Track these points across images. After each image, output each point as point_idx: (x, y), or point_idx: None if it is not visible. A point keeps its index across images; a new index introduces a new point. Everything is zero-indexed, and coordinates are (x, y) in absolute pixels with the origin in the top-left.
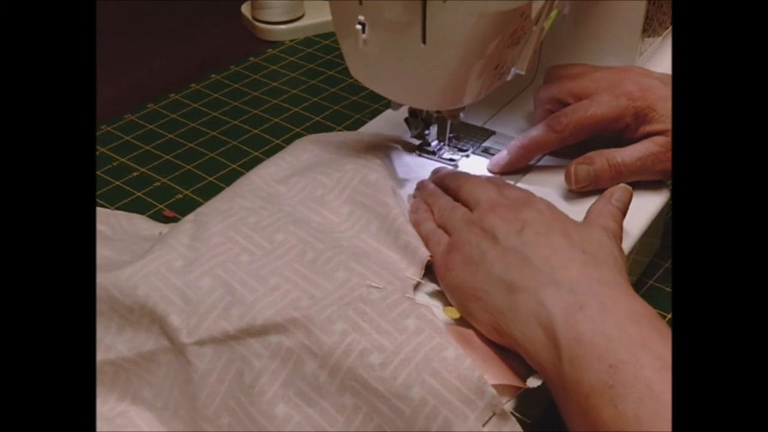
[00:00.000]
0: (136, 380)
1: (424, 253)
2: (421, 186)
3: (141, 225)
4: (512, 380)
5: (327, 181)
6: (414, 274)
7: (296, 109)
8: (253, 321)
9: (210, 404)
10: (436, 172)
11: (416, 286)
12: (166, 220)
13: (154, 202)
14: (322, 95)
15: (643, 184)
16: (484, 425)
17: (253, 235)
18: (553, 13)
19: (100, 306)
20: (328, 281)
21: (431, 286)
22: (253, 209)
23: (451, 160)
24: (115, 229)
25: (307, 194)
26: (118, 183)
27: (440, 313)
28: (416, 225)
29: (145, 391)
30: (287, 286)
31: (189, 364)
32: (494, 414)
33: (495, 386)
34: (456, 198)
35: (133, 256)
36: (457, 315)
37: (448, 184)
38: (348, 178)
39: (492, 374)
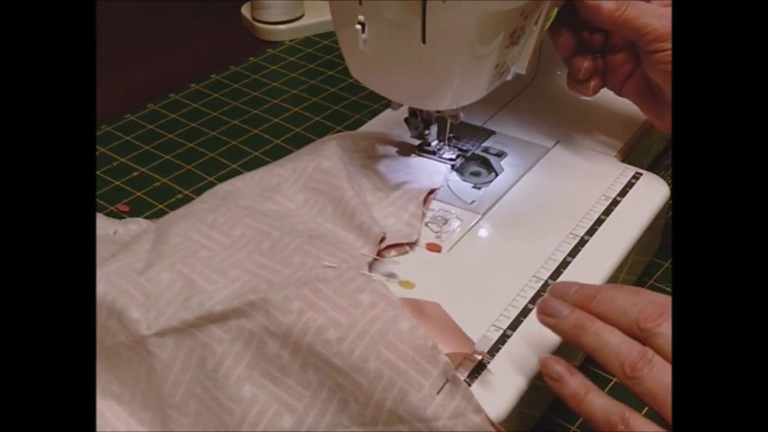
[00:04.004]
0: (106, 374)
1: (378, 231)
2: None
3: (98, 223)
4: (464, 348)
5: (282, 171)
6: (369, 252)
7: (296, 109)
8: (212, 308)
9: (176, 393)
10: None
11: (371, 264)
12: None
13: (154, 202)
14: (322, 95)
15: (644, 183)
16: (438, 392)
17: (211, 232)
18: (553, 13)
19: None
20: (285, 266)
21: (385, 263)
22: (210, 209)
23: (451, 159)
24: None
25: (264, 185)
26: (118, 183)
27: (395, 287)
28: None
29: (113, 385)
30: (247, 277)
31: (150, 355)
32: (447, 381)
33: (448, 354)
34: (588, 310)
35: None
36: (412, 287)
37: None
38: (302, 167)
39: (445, 343)
